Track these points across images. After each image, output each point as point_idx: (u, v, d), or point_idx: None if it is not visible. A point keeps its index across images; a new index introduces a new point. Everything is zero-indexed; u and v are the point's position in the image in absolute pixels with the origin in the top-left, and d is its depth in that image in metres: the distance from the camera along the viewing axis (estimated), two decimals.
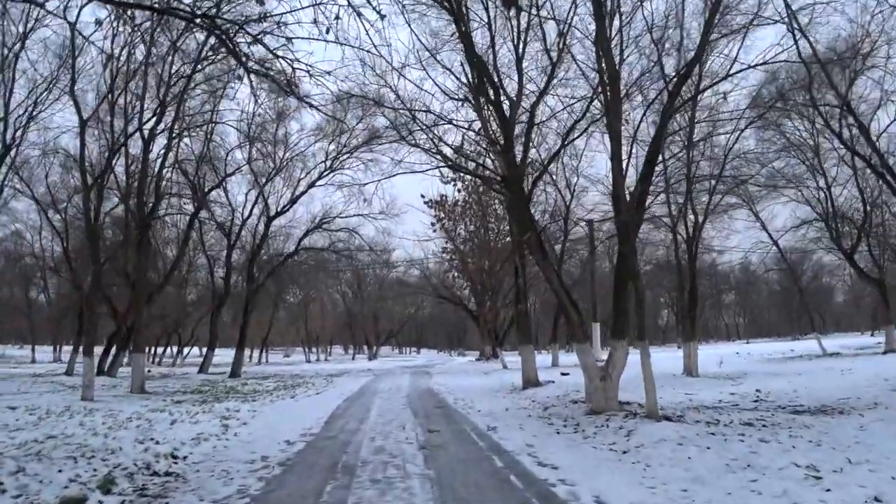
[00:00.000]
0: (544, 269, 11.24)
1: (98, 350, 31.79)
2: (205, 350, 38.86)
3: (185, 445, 8.88)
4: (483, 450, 8.39)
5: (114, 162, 22.26)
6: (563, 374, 22.64)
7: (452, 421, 11.52)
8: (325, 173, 31.98)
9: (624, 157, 11.29)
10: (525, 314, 19.56)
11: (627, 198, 10.76)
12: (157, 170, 21.21)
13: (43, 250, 44.88)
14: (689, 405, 12.78)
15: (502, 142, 12.83)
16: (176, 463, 7.83)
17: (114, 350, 27.52)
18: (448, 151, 15.88)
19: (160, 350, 53.68)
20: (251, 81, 10.58)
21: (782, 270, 44.40)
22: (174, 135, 21.43)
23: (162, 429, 10.25)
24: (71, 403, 15.23)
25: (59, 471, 6.88)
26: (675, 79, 11.65)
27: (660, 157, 12.77)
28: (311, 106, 8.62)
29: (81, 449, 8.11)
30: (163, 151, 21.45)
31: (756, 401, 13.75)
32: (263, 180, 32.16)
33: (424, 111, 13.27)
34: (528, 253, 18.08)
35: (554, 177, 26.81)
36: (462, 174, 32.86)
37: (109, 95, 19.21)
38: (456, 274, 40.89)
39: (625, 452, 7.91)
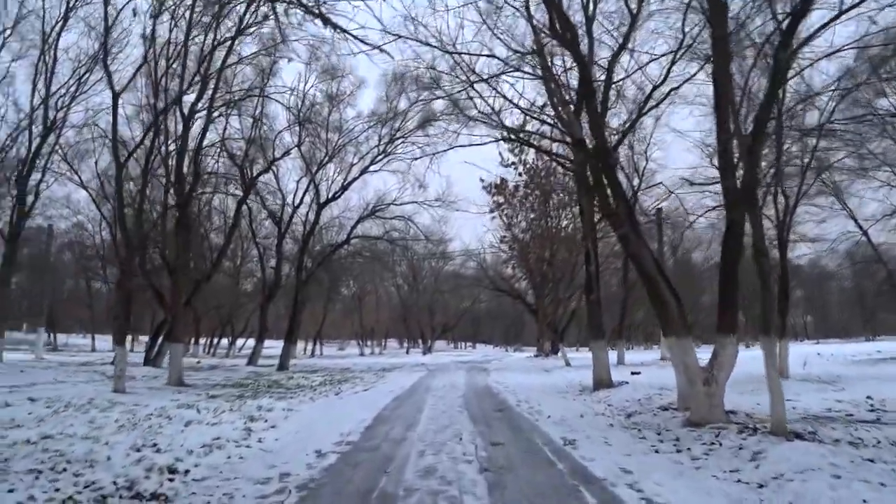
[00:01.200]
0: (635, 247, 9.09)
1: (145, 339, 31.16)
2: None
3: (191, 455, 7.23)
4: (564, 475, 6.40)
5: (158, 142, 21.22)
6: (633, 372, 20.52)
7: (518, 430, 9.56)
8: (378, 158, 30.46)
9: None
10: (597, 305, 17.33)
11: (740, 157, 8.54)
12: (196, 146, 19.91)
13: (103, 240, 45.11)
14: (797, 414, 10.53)
15: (577, 98, 10.72)
16: (171, 480, 6.16)
17: (160, 340, 26.59)
18: (511, 121, 14.00)
19: (215, 340, 53.50)
20: (281, 27, 8.96)
21: (872, 263, 40.53)
22: (214, 108, 20.12)
23: (173, 431, 8.64)
24: (98, 396, 13.99)
25: (10, 490, 5.29)
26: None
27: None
28: (344, 33, 6.81)
29: (57, 458, 6.54)
30: (203, 127, 20.18)
31: (873, 410, 11.37)
32: (315, 167, 30.88)
33: (488, 55, 11.27)
34: (601, 236, 15.95)
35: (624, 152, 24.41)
36: (524, 151, 30.82)
37: (148, 66, 17.99)
38: (515, 263, 38.65)
39: (761, 487, 5.82)
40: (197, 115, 19.45)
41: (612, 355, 27.57)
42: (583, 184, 15.49)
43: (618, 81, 13.09)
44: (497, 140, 15.72)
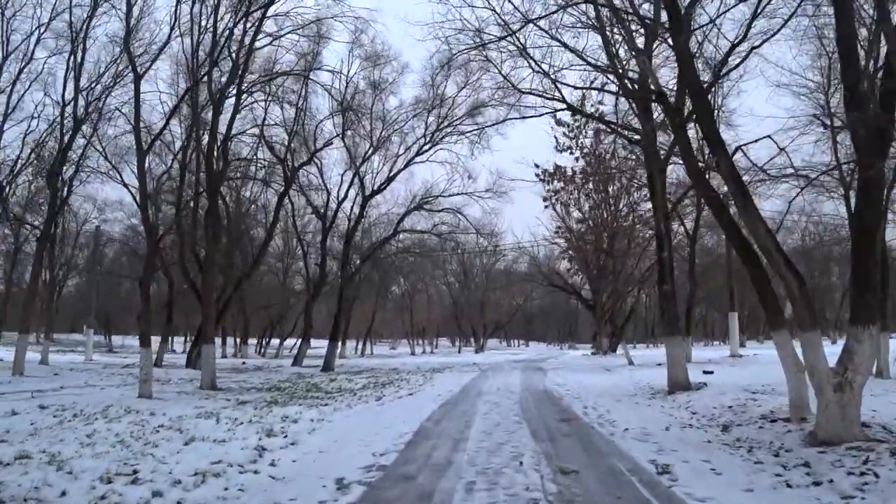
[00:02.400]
0: (746, 213, 7.05)
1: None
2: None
3: (176, 486, 5.67)
4: None
5: (193, 133, 20.15)
6: (705, 371, 18.35)
7: (592, 449, 7.67)
8: (424, 148, 28.96)
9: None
10: (671, 296, 15.23)
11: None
12: (226, 130, 18.73)
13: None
14: None
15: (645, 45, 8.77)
16: None
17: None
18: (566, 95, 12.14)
19: (265, 341, 53.04)
20: None
21: None
22: (245, 91, 18.92)
23: (166, 452, 7.11)
24: (119, 402, 12.77)
25: None
26: None
27: None
28: None
29: None
30: (233, 111, 18.97)
31: None
32: (360, 160, 29.55)
33: None
34: (680, 212, 13.81)
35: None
36: (581, 131, 28.81)
37: (181, 47, 16.90)
38: (571, 254, 36.36)
39: None
40: (228, 98, 18.24)
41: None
42: (653, 157, 13.49)
43: (697, 29, 11.03)
44: (553, 112, 13.87)
